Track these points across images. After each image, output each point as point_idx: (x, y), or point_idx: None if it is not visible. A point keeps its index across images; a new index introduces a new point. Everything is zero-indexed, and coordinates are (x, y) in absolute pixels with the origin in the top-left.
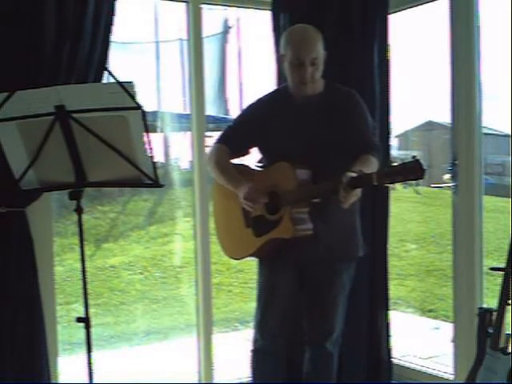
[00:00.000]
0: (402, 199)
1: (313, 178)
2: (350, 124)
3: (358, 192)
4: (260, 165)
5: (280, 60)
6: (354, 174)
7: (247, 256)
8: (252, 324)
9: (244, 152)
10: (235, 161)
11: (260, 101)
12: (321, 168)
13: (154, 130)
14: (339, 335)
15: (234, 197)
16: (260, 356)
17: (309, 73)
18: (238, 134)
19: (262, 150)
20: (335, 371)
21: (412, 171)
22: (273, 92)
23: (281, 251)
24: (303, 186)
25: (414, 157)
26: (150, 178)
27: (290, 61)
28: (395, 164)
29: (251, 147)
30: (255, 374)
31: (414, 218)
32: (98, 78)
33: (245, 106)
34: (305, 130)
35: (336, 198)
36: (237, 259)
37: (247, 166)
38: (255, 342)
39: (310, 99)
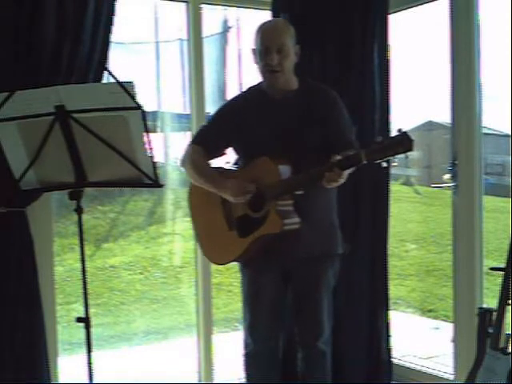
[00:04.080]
0: (401, 199)
1: (294, 169)
2: (328, 121)
3: (345, 175)
4: (236, 166)
5: (253, 56)
6: (340, 157)
7: (234, 259)
8: None
9: (220, 153)
10: (211, 163)
11: (234, 99)
12: (300, 164)
13: (154, 130)
14: (330, 332)
15: (212, 201)
16: (253, 359)
17: (275, 59)
18: (213, 134)
19: (238, 150)
20: (330, 369)
21: (401, 144)
22: (247, 90)
23: (264, 253)
24: (286, 178)
25: (399, 130)
26: (149, 178)
27: (259, 50)
28: (383, 139)
29: (227, 147)
30: (249, 378)
31: (414, 218)
32: (98, 78)
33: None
34: (281, 127)
35: (318, 190)
36: (222, 264)
37: (224, 168)
38: (246, 345)
39: (284, 95)
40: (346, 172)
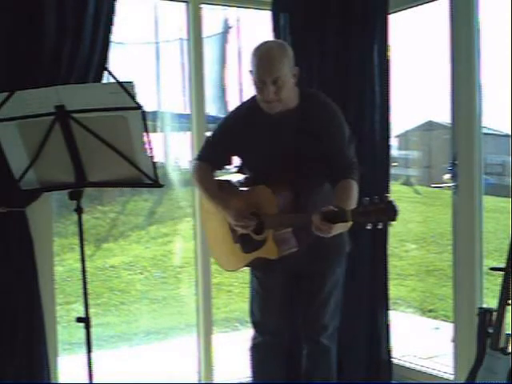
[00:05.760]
0: (402, 199)
1: (295, 196)
2: (324, 137)
3: (342, 225)
4: (244, 177)
5: (251, 76)
6: (330, 208)
7: (238, 269)
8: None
9: (225, 164)
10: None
11: (237, 113)
12: (301, 184)
13: (154, 130)
14: (335, 330)
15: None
16: (259, 350)
17: (271, 92)
18: (218, 149)
19: (243, 162)
20: (334, 366)
21: (385, 213)
22: (249, 103)
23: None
24: (283, 213)
25: (386, 197)
26: (149, 178)
27: (254, 79)
28: (369, 204)
29: (231, 158)
30: (256, 370)
31: (414, 218)
32: (98, 78)
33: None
34: (280, 145)
35: (320, 194)
36: (230, 271)
37: (230, 183)
38: (254, 338)
39: (283, 114)
40: (338, 225)
